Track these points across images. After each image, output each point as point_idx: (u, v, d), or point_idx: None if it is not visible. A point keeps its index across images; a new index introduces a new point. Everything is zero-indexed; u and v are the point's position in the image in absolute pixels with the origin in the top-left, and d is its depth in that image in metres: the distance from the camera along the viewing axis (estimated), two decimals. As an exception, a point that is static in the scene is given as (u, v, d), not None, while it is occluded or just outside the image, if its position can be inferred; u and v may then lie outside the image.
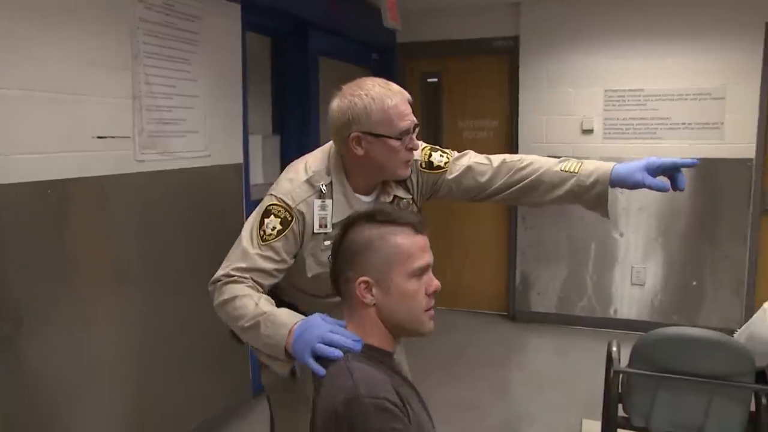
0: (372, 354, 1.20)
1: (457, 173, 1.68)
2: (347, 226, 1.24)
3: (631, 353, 2.10)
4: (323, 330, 1.23)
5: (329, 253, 1.50)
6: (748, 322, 2.16)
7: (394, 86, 1.53)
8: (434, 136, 4.78)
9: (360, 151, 1.51)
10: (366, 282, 1.19)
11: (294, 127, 3.80)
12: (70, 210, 2.21)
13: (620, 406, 2.19)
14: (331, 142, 1.63)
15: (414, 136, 1.55)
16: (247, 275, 1.49)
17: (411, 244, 1.20)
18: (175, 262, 2.70)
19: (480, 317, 4.86)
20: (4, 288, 1.97)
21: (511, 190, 1.66)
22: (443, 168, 1.68)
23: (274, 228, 1.52)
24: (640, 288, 4.42)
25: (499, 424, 3.17)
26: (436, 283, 1.22)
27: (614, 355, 2.21)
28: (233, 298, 1.45)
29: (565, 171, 1.61)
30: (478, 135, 4.87)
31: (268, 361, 1.43)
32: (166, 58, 2.60)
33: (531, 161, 1.66)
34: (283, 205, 1.53)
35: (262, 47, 3.73)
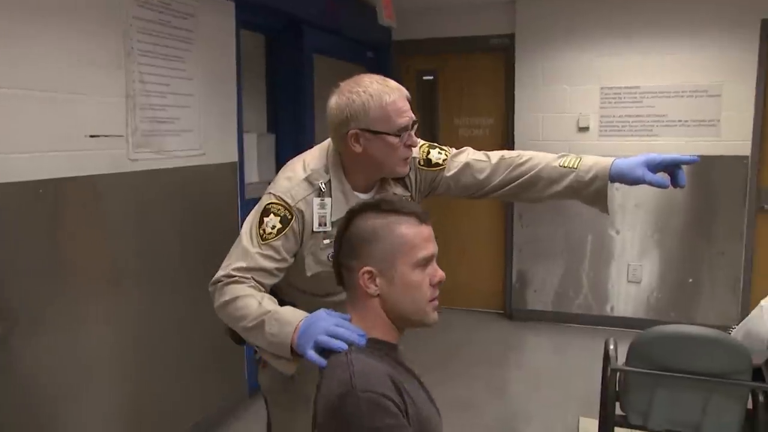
0: (376, 347, 1.18)
1: (456, 170, 1.67)
2: (352, 215, 1.23)
3: (628, 351, 2.09)
4: (328, 323, 1.22)
5: (329, 251, 1.48)
6: (745, 319, 2.16)
7: (392, 83, 1.52)
8: (430, 134, 4.77)
9: (358, 149, 1.50)
10: (370, 272, 1.17)
11: (289, 125, 3.78)
12: (63, 210, 2.19)
13: (617, 404, 2.18)
14: (328, 139, 1.61)
15: (413, 132, 1.54)
16: (249, 275, 1.47)
17: (415, 234, 1.18)
18: (170, 262, 2.69)
19: (476, 315, 4.86)
20: (-4, 288, 1.96)
21: (509, 186, 1.65)
22: (441, 165, 1.67)
23: (273, 227, 1.50)
24: (637, 285, 4.43)
25: (496, 423, 3.16)
26: (440, 274, 1.21)
27: (611, 353, 2.20)
28: (235, 299, 1.43)
29: (564, 166, 1.60)
30: (474, 133, 4.87)
31: (273, 360, 1.41)
32: (160, 56, 2.58)
33: (529, 157, 1.65)
34: (283, 203, 1.52)
35: (257, 45, 3.71)
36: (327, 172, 1.56)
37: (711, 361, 1.97)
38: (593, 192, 1.59)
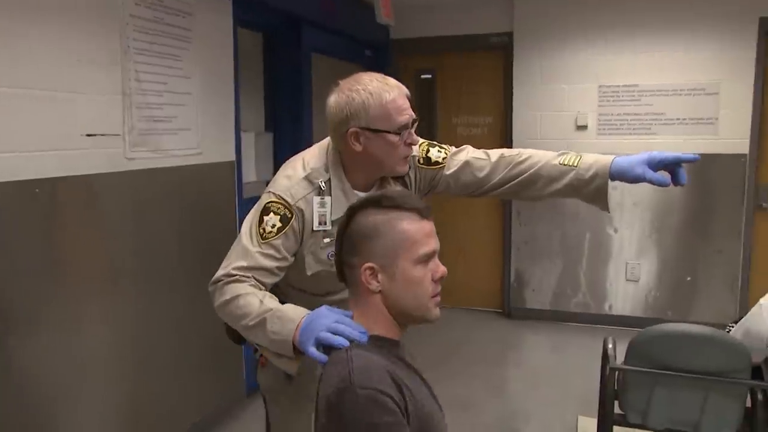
0: (378, 343, 1.18)
1: (455, 169, 1.66)
2: (353, 211, 1.22)
3: (627, 350, 2.09)
4: (330, 320, 1.21)
5: (329, 250, 1.48)
6: (744, 318, 2.16)
7: (392, 81, 1.51)
8: (428, 133, 4.75)
9: (358, 147, 1.49)
10: (371, 268, 1.17)
11: (287, 124, 3.78)
12: (60, 209, 2.18)
13: (616, 402, 2.18)
14: (327, 138, 1.60)
15: (413, 131, 1.53)
16: (249, 274, 1.46)
17: (417, 230, 1.18)
18: (167, 261, 2.68)
19: (474, 314, 4.86)
20: (-8, 288, 1.95)
21: (509, 184, 1.64)
22: (441, 164, 1.66)
23: (273, 225, 1.50)
24: (635, 284, 4.43)
25: (495, 422, 3.16)
26: (442, 269, 1.21)
27: (610, 351, 2.20)
28: (236, 297, 1.42)
29: (564, 164, 1.60)
30: (473, 131, 4.86)
31: (275, 359, 1.40)
32: (157, 54, 2.57)
33: (529, 155, 1.64)
34: (282, 202, 1.51)
35: (255, 43, 3.70)
36: (327, 170, 1.55)
37: (710, 359, 1.97)
38: (593, 190, 1.58)
